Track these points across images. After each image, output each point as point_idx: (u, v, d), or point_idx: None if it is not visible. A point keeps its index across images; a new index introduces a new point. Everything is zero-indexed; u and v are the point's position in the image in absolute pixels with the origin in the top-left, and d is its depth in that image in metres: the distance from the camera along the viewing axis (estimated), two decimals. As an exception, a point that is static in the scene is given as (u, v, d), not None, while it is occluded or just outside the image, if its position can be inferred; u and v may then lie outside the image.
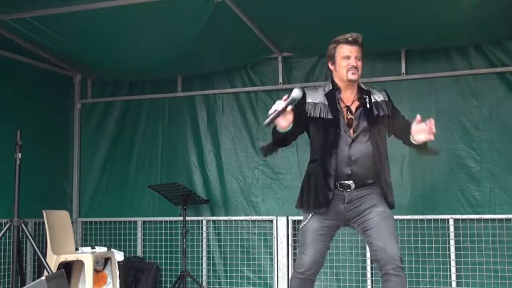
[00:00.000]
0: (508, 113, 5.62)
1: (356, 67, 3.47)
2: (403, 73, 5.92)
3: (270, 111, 3.22)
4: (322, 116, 3.49)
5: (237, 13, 5.11)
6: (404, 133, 3.54)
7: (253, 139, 6.36)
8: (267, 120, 3.20)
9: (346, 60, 3.49)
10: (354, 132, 3.48)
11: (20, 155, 4.78)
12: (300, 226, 3.61)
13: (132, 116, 6.81)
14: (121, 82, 6.86)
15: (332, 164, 3.43)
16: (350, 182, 3.46)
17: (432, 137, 3.33)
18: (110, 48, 5.81)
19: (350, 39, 3.47)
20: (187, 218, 6.03)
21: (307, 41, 5.78)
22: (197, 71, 6.53)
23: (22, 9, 5.12)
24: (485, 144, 5.64)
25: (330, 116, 3.47)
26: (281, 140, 3.45)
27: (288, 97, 3.19)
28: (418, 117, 3.36)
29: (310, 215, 3.51)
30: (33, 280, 5.61)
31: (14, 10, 5.14)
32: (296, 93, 3.20)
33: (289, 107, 3.19)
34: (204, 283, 6.26)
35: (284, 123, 3.23)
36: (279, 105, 3.20)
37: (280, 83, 6.28)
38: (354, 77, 3.48)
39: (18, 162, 4.77)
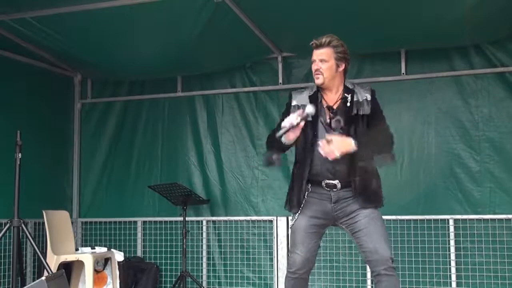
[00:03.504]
0: (508, 113, 5.62)
1: (318, 70, 3.51)
2: (403, 73, 5.92)
3: (284, 124, 3.33)
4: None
5: (237, 13, 5.11)
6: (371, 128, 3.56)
7: (253, 139, 6.36)
8: (281, 132, 3.32)
9: (313, 64, 3.56)
10: (334, 131, 3.48)
11: (20, 155, 4.78)
12: (290, 226, 3.65)
13: (132, 116, 6.81)
14: (121, 82, 6.86)
15: (307, 166, 3.48)
16: (335, 181, 3.47)
17: (327, 155, 3.32)
18: (110, 48, 5.81)
19: (314, 45, 3.55)
20: (187, 218, 6.03)
21: (307, 41, 5.72)
22: (197, 71, 6.53)
23: (22, 9, 5.12)
24: (485, 144, 5.64)
25: (309, 119, 3.47)
26: (280, 149, 3.50)
27: (303, 112, 3.34)
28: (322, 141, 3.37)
29: (297, 214, 3.53)
30: (33, 280, 5.61)
31: (14, 10, 5.14)
32: (310, 109, 3.37)
33: (302, 123, 3.32)
34: (204, 283, 6.26)
35: (293, 136, 3.34)
36: (293, 119, 3.32)
37: (280, 83, 6.28)
38: (318, 82, 3.53)
39: (18, 162, 4.77)
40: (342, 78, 3.59)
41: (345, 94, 3.54)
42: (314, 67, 3.55)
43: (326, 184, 3.49)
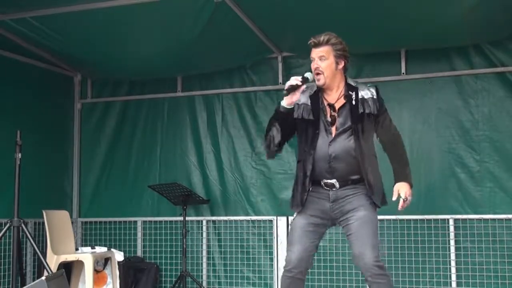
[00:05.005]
0: (508, 113, 5.62)
1: (318, 69, 3.52)
2: (403, 73, 5.92)
3: (289, 83, 3.42)
4: (304, 116, 3.52)
5: (237, 13, 5.11)
6: (383, 138, 3.60)
7: (253, 139, 6.36)
8: (287, 86, 3.41)
9: (312, 62, 3.56)
10: (336, 129, 3.49)
11: (20, 155, 4.78)
12: (289, 223, 3.64)
13: (131, 116, 6.81)
14: (121, 82, 6.86)
15: (309, 164, 3.48)
16: (333, 181, 3.47)
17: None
18: (110, 48, 5.80)
19: (312, 43, 3.56)
20: (187, 218, 6.04)
21: (307, 41, 5.73)
22: (196, 71, 6.53)
23: (22, 9, 5.12)
24: (485, 144, 5.64)
25: (311, 117, 3.51)
26: (281, 123, 3.50)
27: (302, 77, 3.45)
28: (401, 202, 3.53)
29: (296, 212, 3.55)
30: (33, 280, 5.61)
31: (14, 10, 5.14)
32: (309, 74, 3.49)
33: (303, 87, 3.44)
34: (204, 283, 6.26)
35: (294, 98, 3.43)
36: (293, 81, 3.43)
37: (280, 83, 6.27)
38: (319, 83, 3.53)
39: (18, 162, 4.77)
40: (343, 76, 3.59)
41: (349, 92, 3.54)
42: (313, 65, 3.54)
43: (324, 183, 3.50)
